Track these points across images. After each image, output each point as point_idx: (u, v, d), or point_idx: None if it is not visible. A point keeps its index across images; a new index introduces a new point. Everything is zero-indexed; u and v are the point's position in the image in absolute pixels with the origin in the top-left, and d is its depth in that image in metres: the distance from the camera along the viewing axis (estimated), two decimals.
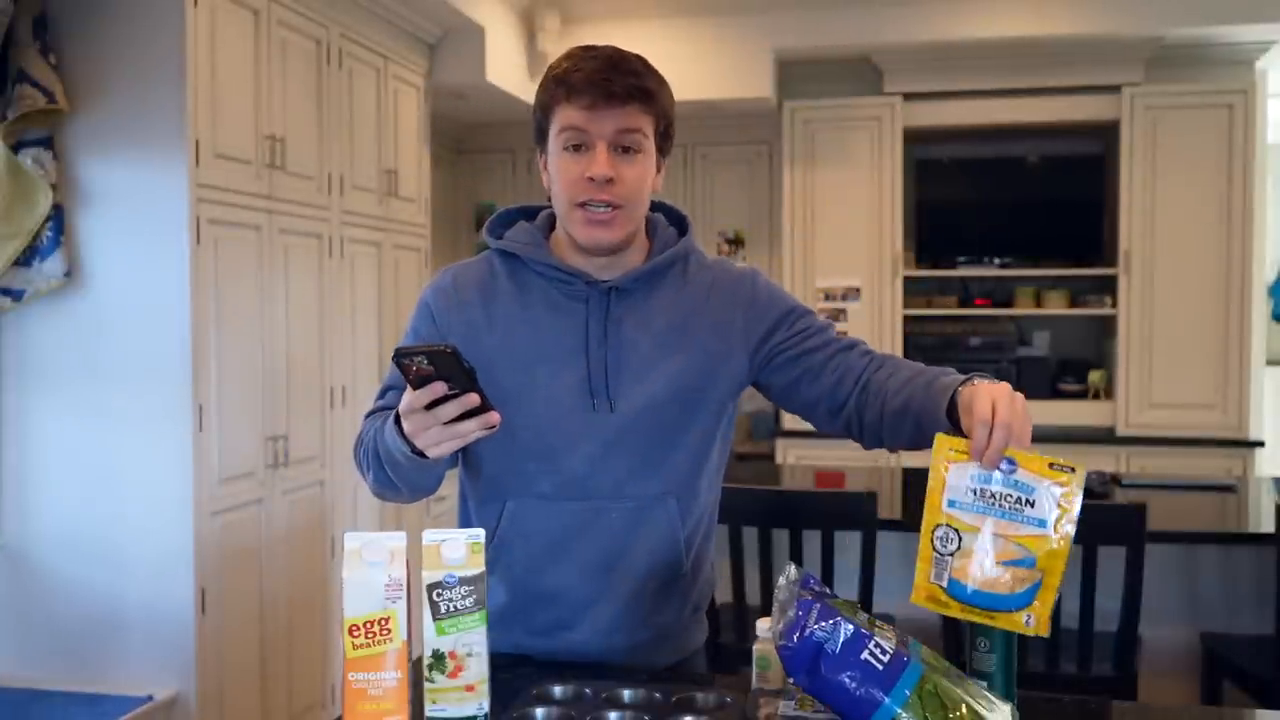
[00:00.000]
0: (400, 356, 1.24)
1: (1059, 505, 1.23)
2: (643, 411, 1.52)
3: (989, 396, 1.28)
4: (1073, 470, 1.24)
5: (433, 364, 1.24)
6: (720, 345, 1.57)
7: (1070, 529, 1.23)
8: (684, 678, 1.55)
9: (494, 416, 1.29)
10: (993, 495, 1.25)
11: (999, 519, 1.25)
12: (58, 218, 2.98)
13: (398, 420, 1.36)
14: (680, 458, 1.56)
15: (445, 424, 1.29)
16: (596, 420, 1.52)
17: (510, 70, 4.94)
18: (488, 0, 4.66)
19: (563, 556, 1.55)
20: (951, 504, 1.27)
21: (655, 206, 1.64)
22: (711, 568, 1.70)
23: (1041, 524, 1.23)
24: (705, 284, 1.60)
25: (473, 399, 1.27)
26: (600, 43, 1.55)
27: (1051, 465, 1.25)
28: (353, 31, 3.92)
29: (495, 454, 1.51)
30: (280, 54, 3.47)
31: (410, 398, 1.29)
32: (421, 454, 1.35)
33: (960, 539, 1.25)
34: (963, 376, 1.40)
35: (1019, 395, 1.30)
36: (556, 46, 5.10)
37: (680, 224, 1.65)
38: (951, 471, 1.27)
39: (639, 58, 1.51)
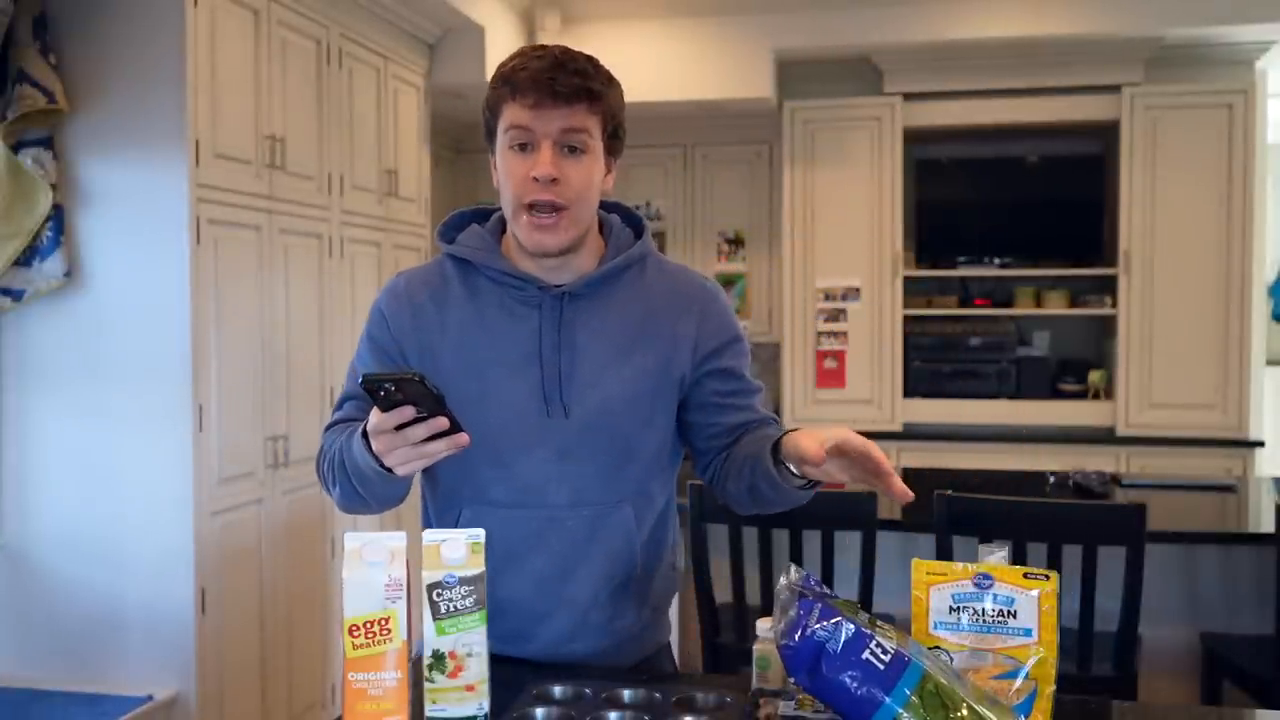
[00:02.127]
0: (367, 383, 1.24)
1: (1040, 610, 1.26)
2: (598, 417, 1.51)
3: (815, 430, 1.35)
4: (1048, 577, 1.26)
5: (400, 390, 1.24)
6: (674, 350, 1.56)
7: (1054, 636, 1.26)
8: (651, 674, 1.55)
9: (463, 438, 1.29)
10: (975, 612, 1.28)
11: (985, 634, 1.27)
12: (58, 218, 2.98)
13: (364, 436, 1.36)
14: (636, 463, 1.55)
15: (414, 444, 1.29)
16: (551, 426, 1.51)
17: None
18: (488, 0, 4.66)
19: (517, 566, 1.53)
20: (937, 626, 1.29)
21: (611, 208, 1.63)
22: (672, 568, 1.68)
23: (1027, 633, 1.26)
24: (664, 289, 1.59)
25: (441, 422, 1.27)
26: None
27: (1026, 575, 1.27)
28: (353, 31, 3.92)
29: (450, 461, 1.48)
30: (280, 54, 3.46)
31: (378, 420, 1.28)
32: (390, 470, 1.34)
33: (953, 659, 1.27)
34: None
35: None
36: None
37: (636, 226, 1.63)
38: (932, 595, 1.29)
39: (588, 57, 1.49)
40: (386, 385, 1.23)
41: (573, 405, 1.51)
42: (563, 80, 1.44)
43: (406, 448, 1.29)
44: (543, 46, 1.50)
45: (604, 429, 1.52)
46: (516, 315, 1.53)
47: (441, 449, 1.29)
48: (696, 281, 1.62)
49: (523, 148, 1.47)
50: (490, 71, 5.17)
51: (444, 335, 1.53)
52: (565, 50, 1.49)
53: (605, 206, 1.60)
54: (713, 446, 1.61)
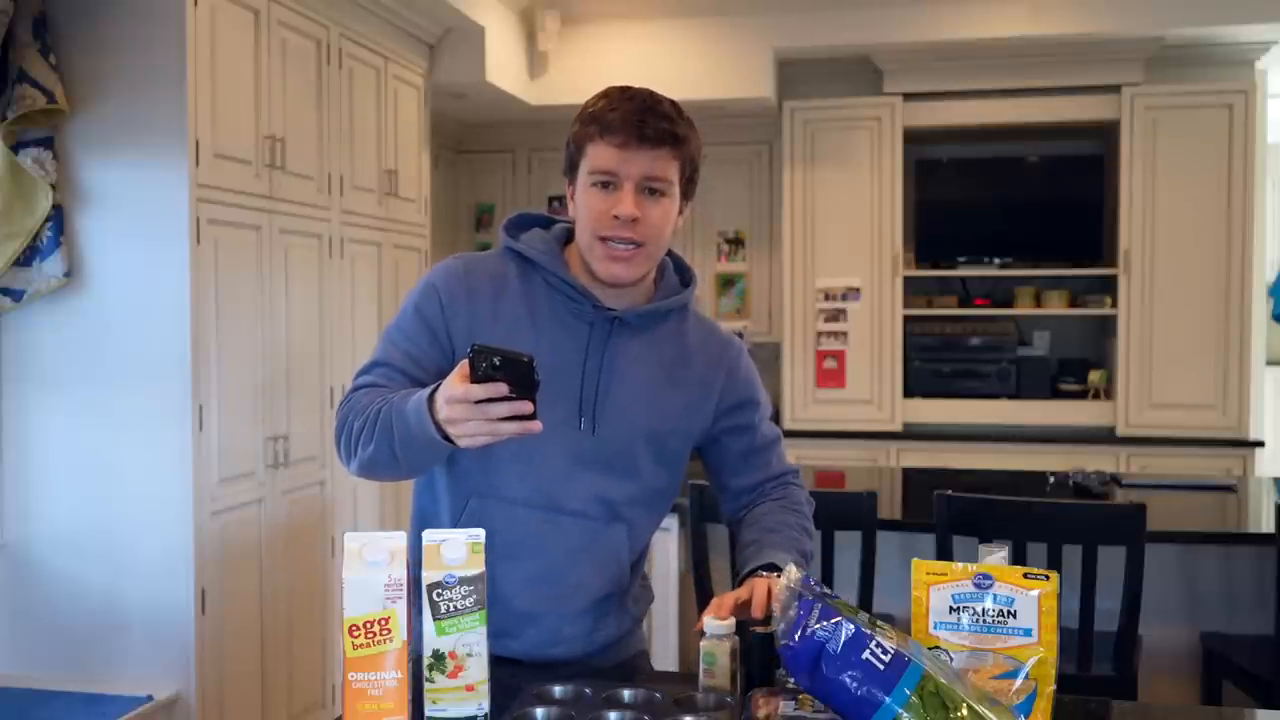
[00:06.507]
0: (477, 352, 1.26)
1: (1040, 610, 1.26)
2: (621, 439, 1.58)
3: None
4: (1047, 577, 1.27)
5: (504, 367, 1.26)
6: (699, 398, 1.64)
7: (1054, 636, 1.26)
8: (640, 670, 1.64)
9: (536, 425, 1.31)
10: (976, 612, 1.28)
11: (985, 634, 1.28)
12: (58, 218, 2.98)
13: (427, 401, 1.36)
14: (642, 488, 1.62)
15: (489, 420, 1.30)
16: (577, 438, 1.56)
17: (510, 70, 4.94)
18: (488, 0, 4.66)
19: (514, 562, 1.56)
20: (937, 626, 1.30)
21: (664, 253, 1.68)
22: (644, 586, 1.76)
23: (1027, 633, 1.26)
24: (698, 338, 1.67)
25: (526, 406, 1.29)
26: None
27: (1026, 575, 1.28)
28: (353, 31, 3.92)
29: (473, 450, 1.50)
30: (280, 54, 3.46)
31: (465, 389, 1.29)
32: (447, 439, 1.35)
33: (953, 658, 1.28)
34: (769, 561, 1.57)
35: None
36: (556, 46, 5.10)
37: (684, 275, 1.70)
38: (932, 595, 1.30)
39: (672, 103, 1.56)
40: (494, 359, 1.25)
41: (600, 424, 1.56)
42: (651, 124, 1.50)
43: (480, 421, 1.31)
44: (630, 89, 1.56)
45: (623, 452, 1.58)
46: (567, 325, 1.57)
47: (512, 430, 1.31)
48: (727, 337, 1.72)
49: (605, 185, 1.52)
50: (490, 71, 5.16)
51: (495, 324, 1.56)
52: (652, 95, 1.55)
53: None
54: (742, 503, 1.73)
